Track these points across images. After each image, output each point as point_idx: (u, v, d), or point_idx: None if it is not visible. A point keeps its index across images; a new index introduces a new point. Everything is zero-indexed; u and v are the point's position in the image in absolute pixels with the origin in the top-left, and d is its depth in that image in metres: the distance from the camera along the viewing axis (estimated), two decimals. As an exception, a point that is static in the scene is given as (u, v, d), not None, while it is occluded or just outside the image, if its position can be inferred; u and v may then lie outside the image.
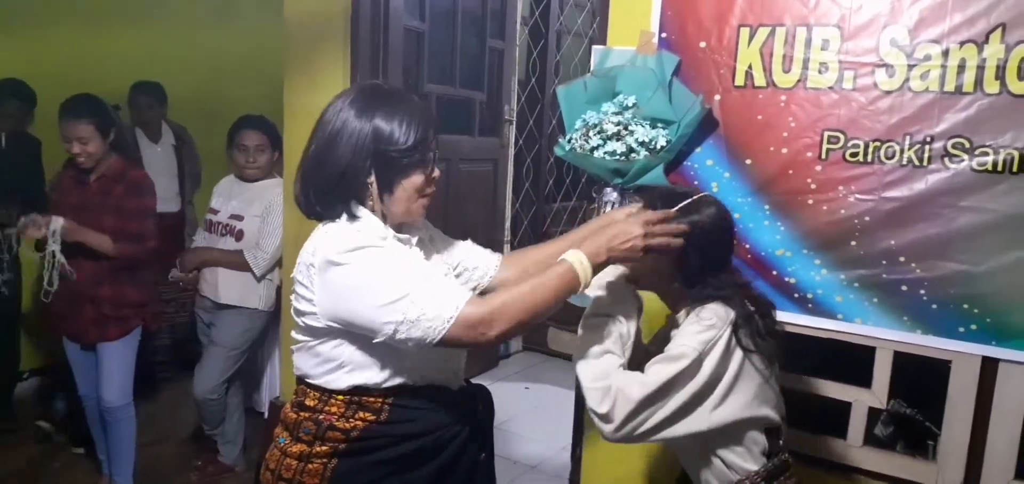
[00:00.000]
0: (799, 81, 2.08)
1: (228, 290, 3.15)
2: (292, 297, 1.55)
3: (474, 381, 1.80)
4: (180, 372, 4.04)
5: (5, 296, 3.48)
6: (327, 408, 1.51)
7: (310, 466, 1.50)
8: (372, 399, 1.51)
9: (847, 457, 2.20)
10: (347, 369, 1.50)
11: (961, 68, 1.91)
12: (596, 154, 2.14)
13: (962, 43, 1.90)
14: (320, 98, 3.09)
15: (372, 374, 1.51)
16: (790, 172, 2.12)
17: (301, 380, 1.57)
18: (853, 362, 2.19)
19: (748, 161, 2.17)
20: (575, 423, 2.63)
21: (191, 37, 4.67)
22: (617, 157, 2.12)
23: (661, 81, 2.14)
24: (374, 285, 1.42)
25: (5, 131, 3.67)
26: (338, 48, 3.05)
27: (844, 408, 2.20)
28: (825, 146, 2.07)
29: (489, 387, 3.94)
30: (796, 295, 2.17)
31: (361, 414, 1.51)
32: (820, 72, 2.05)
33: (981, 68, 1.88)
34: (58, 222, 2.77)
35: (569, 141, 2.22)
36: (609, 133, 2.12)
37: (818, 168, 2.09)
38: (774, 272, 2.19)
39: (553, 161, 4.95)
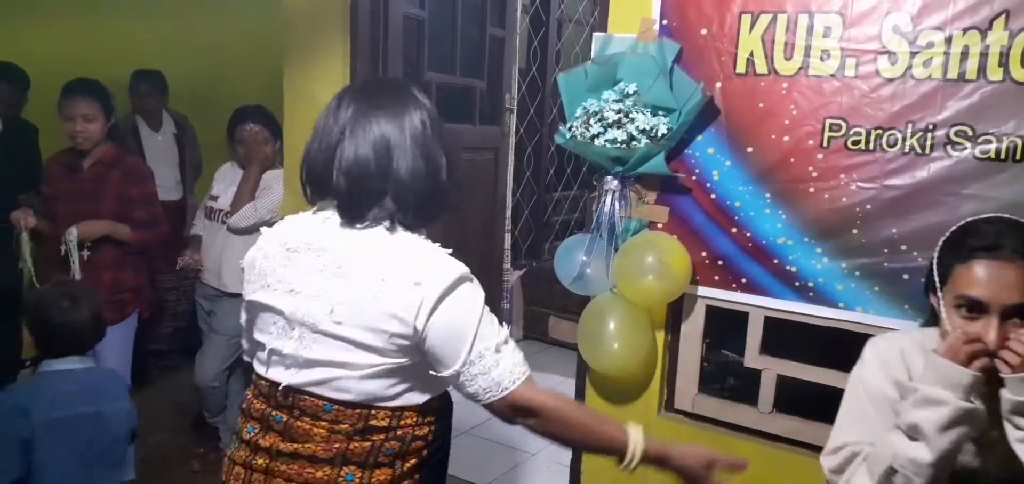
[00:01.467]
0: (801, 68, 2.07)
1: (228, 278, 3.14)
2: (375, 324, 1.34)
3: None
4: (181, 360, 4.05)
5: (9, 285, 3.47)
6: (403, 423, 1.40)
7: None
8: (433, 406, 1.45)
9: (849, 446, 2.20)
10: (420, 389, 1.41)
11: (964, 55, 1.89)
12: (597, 142, 2.13)
13: (965, 30, 1.89)
14: (320, 87, 3.11)
15: (438, 386, 1.44)
16: (791, 160, 2.11)
17: (359, 405, 1.38)
18: (855, 351, 2.18)
19: (749, 149, 2.16)
20: (576, 411, 2.63)
21: (192, 26, 4.66)
22: (618, 145, 2.11)
23: (662, 68, 2.13)
24: (482, 326, 1.36)
25: (10, 114, 3.64)
26: (338, 37, 3.03)
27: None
28: (827, 134, 2.06)
29: (490, 375, 3.91)
30: (797, 283, 2.17)
31: (428, 419, 1.44)
32: (822, 59, 2.04)
33: (984, 55, 1.87)
34: (73, 233, 2.77)
35: (570, 129, 2.21)
36: (610, 121, 2.11)
37: (820, 156, 2.08)
38: (775, 260, 2.18)
39: (554, 150, 4.94)
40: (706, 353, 2.43)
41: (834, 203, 2.08)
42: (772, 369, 2.29)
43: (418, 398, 1.41)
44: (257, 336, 1.47)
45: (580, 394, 2.61)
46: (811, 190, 2.10)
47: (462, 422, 3.36)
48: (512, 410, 1.38)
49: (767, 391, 2.31)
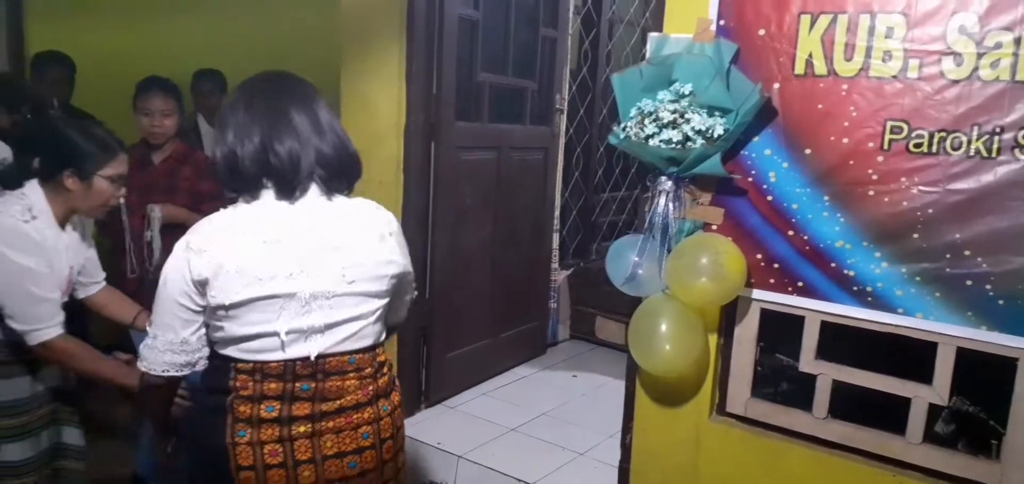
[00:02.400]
0: (862, 70, 2.04)
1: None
2: (379, 271, 1.62)
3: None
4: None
5: None
6: (386, 355, 1.73)
7: (398, 409, 1.74)
8: None
9: (906, 455, 2.16)
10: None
11: (1034, 56, 1.85)
12: (651, 142, 2.13)
13: (1035, 30, 1.84)
14: (376, 86, 3.17)
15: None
16: (851, 163, 2.08)
17: (369, 349, 1.65)
18: (913, 357, 2.15)
19: (807, 151, 2.13)
20: (626, 411, 2.63)
21: (250, 26, 4.76)
22: (673, 145, 2.10)
23: (719, 69, 2.12)
24: None
25: (56, 98, 3.70)
26: (394, 37, 3.09)
27: (903, 404, 2.16)
28: (888, 136, 2.03)
29: (536, 374, 3.97)
30: (855, 288, 2.14)
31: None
32: (884, 60, 2.01)
33: (1055, 56, 1.83)
34: (156, 209, 2.85)
35: (624, 129, 2.21)
36: (665, 121, 2.11)
37: (880, 159, 2.05)
38: (833, 264, 2.15)
39: (603, 150, 4.92)
40: (759, 357, 2.41)
41: (894, 207, 2.04)
42: (828, 374, 2.26)
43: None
44: (255, 329, 1.55)
45: (630, 395, 2.61)
46: (871, 193, 2.07)
47: (510, 420, 3.40)
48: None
49: (822, 396, 2.29)
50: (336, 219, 1.59)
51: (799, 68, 2.11)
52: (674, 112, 2.09)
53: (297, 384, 1.56)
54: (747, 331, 2.36)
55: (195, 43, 4.59)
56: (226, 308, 1.53)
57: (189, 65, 4.24)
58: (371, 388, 1.64)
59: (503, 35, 3.59)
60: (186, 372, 1.62)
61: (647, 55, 2.30)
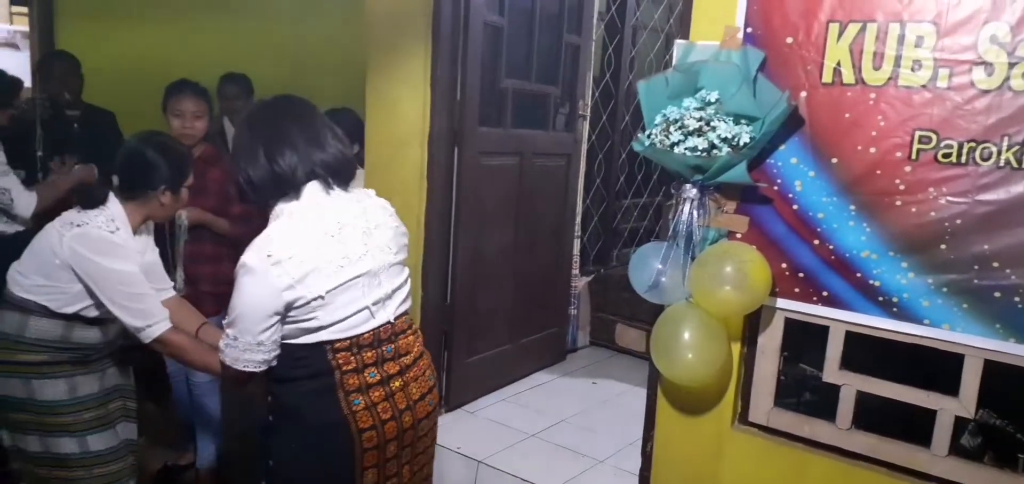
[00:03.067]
0: (890, 79, 2.03)
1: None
2: (402, 241, 1.98)
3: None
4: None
5: None
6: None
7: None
8: None
9: (931, 467, 2.14)
10: None
11: (1067, 67, 1.83)
12: (676, 150, 2.13)
13: (1068, 41, 1.82)
14: (401, 92, 3.19)
15: None
16: (878, 172, 2.07)
17: (405, 313, 1.98)
18: (939, 369, 2.13)
19: (834, 160, 2.12)
20: (647, 419, 2.62)
21: (276, 30, 4.81)
22: (698, 153, 2.10)
23: (745, 77, 2.12)
24: None
25: (66, 92, 3.78)
26: (419, 43, 3.11)
27: (929, 416, 2.14)
28: (916, 146, 2.02)
29: (556, 380, 3.96)
30: (880, 298, 2.12)
31: None
32: (913, 70, 2.00)
33: (1089, 68, 1.81)
34: (183, 214, 2.89)
35: (649, 136, 2.21)
36: (690, 129, 2.11)
37: (908, 169, 2.03)
38: (858, 274, 2.14)
39: (625, 157, 4.92)
40: (783, 366, 2.39)
41: (922, 217, 2.03)
42: (852, 385, 2.25)
43: None
44: (349, 309, 1.80)
45: (651, 403, 2.61)
46: (898, 203, 2.06)
47: (530, 426, 3.40)
48: None
49: (846, 407, 2.27)
50: (363, 205, 1.89)
51: (826, 77, 2.10)
52: (700, 119, 2.09)
53: (384, 348, 1.88)
54: (771, 340, 2.35)
55: (221, 47, 4.64)
56: (322, 297, 1.75)
57: (215, 69, 4.29)
58: (422, 340, 2.03)
59: (527, 41, 3.61)
60: (263, 368, 1.81)
61: (673, 62, 2.30)
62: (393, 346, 1.91)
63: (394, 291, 1.92)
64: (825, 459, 2.31)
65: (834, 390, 2.28)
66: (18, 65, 5.71)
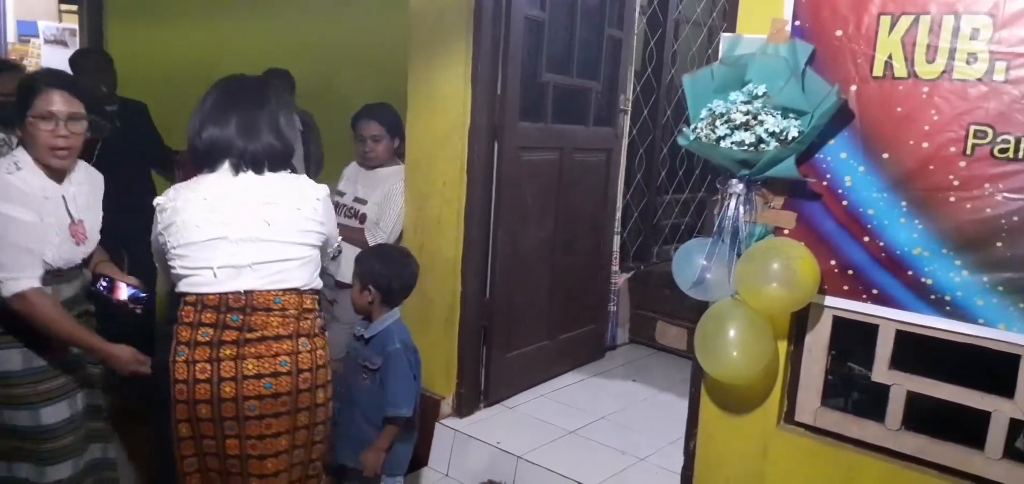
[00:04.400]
0: (944, 72, 1.98)
1: (348, 270, 3.26)
2: (285, 230, 2.00)
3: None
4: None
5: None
6: (315, 302, 2.09)
7: (320, 351, 2.06)
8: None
9: (985, 470, 2.09)
10: (316, 271, 2.09)
11: None
12: (723, 144, 2.10)
13: None
14: (442, 87, 3.20)
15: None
16: (931, 168, 2.02)
17: (295, 291, 2.01)
18: (994, 370, 2.07)
19: (885, 155, 2.08)
20: (690, 417, 2.60)
21: (316, 27, 4.86)
22: (745, 147, 2.07)
23: (794, 70, 2.08)
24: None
25: (103, 85, 3.81)
26: (461, 38, 3.11)
27: (982, 418, 2.08)
28: (971, 141, 1.96)
29: (595, 378, 3.94)
30: (933, 297, 2.07)
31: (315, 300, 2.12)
32: (968, 63, 1.94)
33: None
34: None
35: (694, 130, 2.19)
36: (737, 122, 2.08)
37: (962, 164, 1.98)
38: (909, 272, 2.09)
39: (666, 152, 4.88)
40: (829, 365, 2.35)
41: (977, 214, 1.97)
42: (902, 385, 2.20)
43: (318, 282, 2.09)
44: (195, 265, 1.97)
45: (694, 401, 2.58)
46: (951, 199, 2.00)
47: (569, 422, 3.39)
48: None
49: (896, 407, 2.22)
50: (265, 186, 2.01)
51: (878, 70, 2.06)
52: (747, 113, 2.06)
53: (228, 315, 1.96)
54: (819, 339, 2.31)
55: (263, 44, 4.70)
56: (177, 248, 1.97)
57: (258, 65, 4.35)
58: (293, 326, 2.00)
59: (568, 35, 3.59)
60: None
61: (718, 56, 2.27)
62: (241, 317, 1.96)
63: (263, 263, 1.97)
64: (874, 460, 2.27)
65: (883, 390, 2.23)
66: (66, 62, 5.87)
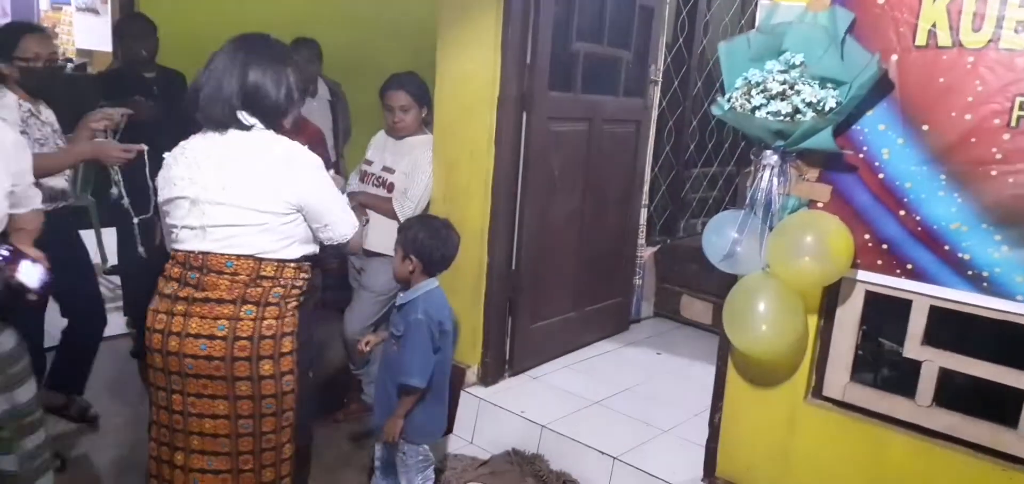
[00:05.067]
0: (990, 41, 1.93)
1: (375, 239, 3.27)
2: (228, 193, 1.95)
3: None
4: (327, 313, 4.25)
5: None
6: (283, 274, 2.01)
7: (287, 319, 2.01)
8: (307, 264, 2.08)
9: (1017, 448, 2.06)
10: (298, 245, 2.03)
11: None
12: (758, 114, 2.07)
13: None
14: (472, 55, 3.18)
15: (310, 247, 2.09)
16: (973, 140, 1.98)
17: (249, 257, 1.97)
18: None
19: (925, 127, 2.03)
20: (715, 390, 2.59)
21: (347, -5, 4.85)
22: (781, 118, 2.04)
23: (833, 38, 2.04)
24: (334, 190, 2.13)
25: (144, 50, 3.80)
26: (491, 4, 3.08)
27: (1020, 396, 2.05)
28: (1016, 113, 1.92)
29: (619, 350, 3.92)
30: (970, 272, 2.04)
31: (302, 275, 2.06)
32: (1016, 32, 1.89)
33: None
34: None
35: (729, 100, 2.15)
36: (773, 92, 2.04)
37: (1006, 137, 1.94)
38: (945, 246, 2.06)
39: (695, 124, 4.82)
40: (859, 340, 2.32)
41: (1020, 188, 1.93)
42: (935, 361, 2.17)
43: (295, 252, 2.02)
44: (169, 222, 2.04)
45: (721, 374, 2.57)
46: (993, 173, 1.96)
47: (593, 393, 3.39)
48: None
49: (927, 384, 2.19)
50: (226, 146, 1.99)
51: (920, 39, 2.01)
52: (783, 83, 2.02)
53: (188, 273, 1.99)
54: (850, 313, 2.28)
55: (293, 12, 4.69)
56: (161, 204, 2.07)
57: (287, 33, 4.35)
58: (239, 292, 1.96)
59: (599, 3, 3.54)
60: None
61: (756, 22, 2.23)
62: (198, 276, 1.98)
63: (217, 226, 1.96)
64: (903, 436, 2.24)
65: (913, 366, 2.20)
66: (98, 30, 5.89)
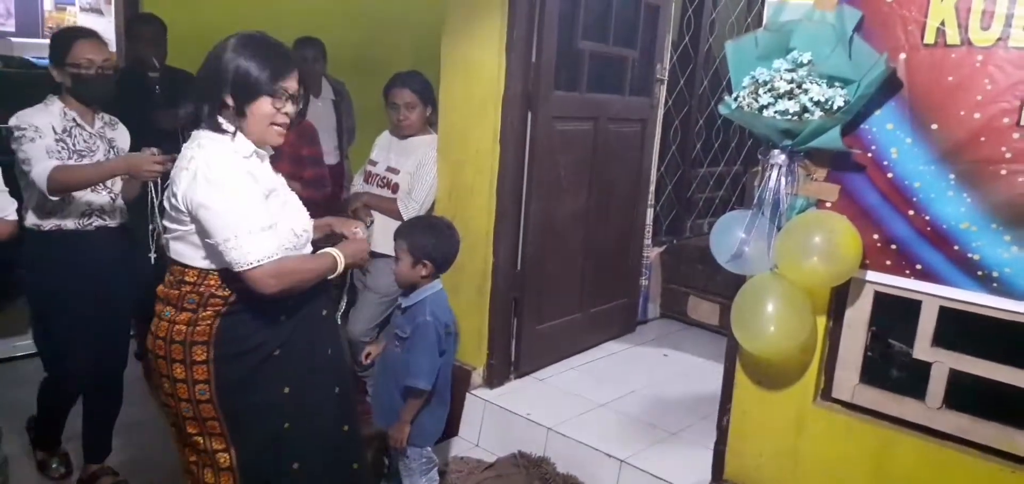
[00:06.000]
0: (1000, 39, 1.91)
1: (380, 240, 3.26)
2: (167, 197, 1.93)
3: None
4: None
5: None
6: (206, 282, 1.91)
7: (199, 327, 1.90)
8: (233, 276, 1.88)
9: (1029, 450, 2.04)
10: (215, 259, 1.88)
11: None
12: (765, 113, 2.05)
13: None
14: (477, 54, 3.17)
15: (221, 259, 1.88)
16: (982, 139, 1.95)
17: (176, 263, 1.93)
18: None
19: (934, 126, 2.01)
20: (723, 391, 2.57)
21: (351, -6, 4.83)
22: (789, 117, 2.02)
23: (841, 37, 2.02)
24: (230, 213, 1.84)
25: (154, 57, 3.75)
26: (496, 5, 3.07)
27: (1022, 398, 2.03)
28: (1026, 112, 1.89)
29: (626, 351, 3.90)
30: (979, 273, 2.02)
31: (235, 284, 1.89)
32: (1026, 29, 1.87)
33: None
34: None
35: (736, 99, 2.14)
36: (781, 91, 2.02)
37: (1016, 136, 1.91)
38: (955, 247, 2.04)
39: (702, 124, 4.80)
40: (869, 341, 2.30)
41: (1030, 188, 1.91)
42: (945, 363, 2.15)
43: (219, 263, 1.87)
44: None
45: (729, 376, 2.55)
46: (1003, 172, 1.94)
47: (599, 395, 3.37)
48: (263, 282, 1.84)
49: (937, 386, 2.17)
50: (187, 148, 1.91)
51: (929, 37, 1.99)
52: (791, 82, 2.00)
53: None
54: (859, 314, 2.26)
55: (298, 11, 4.69)
56: None
57: (292, 32, 4.34)
58: (166, 292, 1.96)
59: (605, 2, 3.52)
60: None
61: (764, 21, 2.21)
62: (167, 274, 2.00)
63: (165, 229, 1.98)
64: (913, 438, 2.22)
65: (923, 367, 2.18)
66: (103, 31, 5.89)
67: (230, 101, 1.87)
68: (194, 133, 1.91)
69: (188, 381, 1.92)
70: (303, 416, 2.03)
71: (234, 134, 1.89)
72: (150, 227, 2.53)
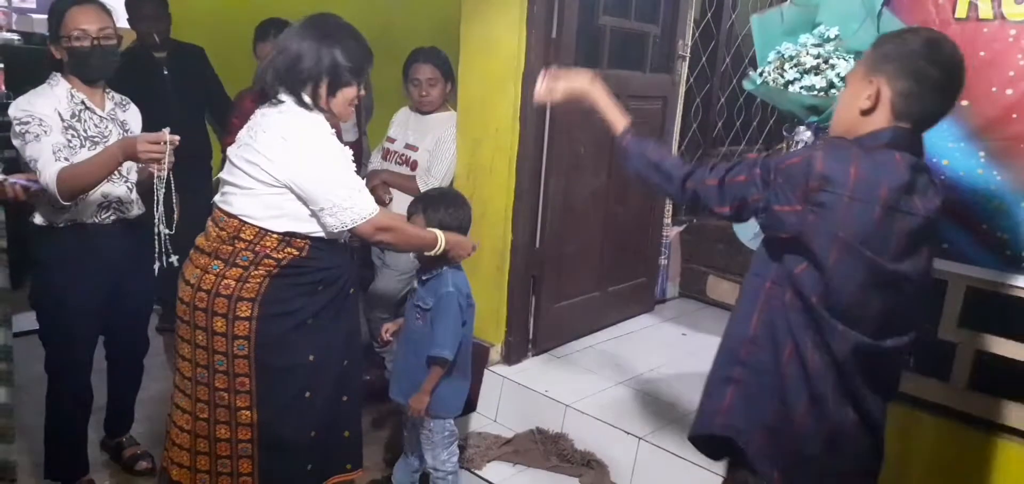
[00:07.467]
0: (1034, 13, 1.86)
1: (399, 216, 3.26)
2: (240, 154, 2.00)
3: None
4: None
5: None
6: (263, 242, 2.00)
7: (248, 284, 2.00)
8: (299, 241, 2.03)
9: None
10: (288, 217, 2.00)
11: None
12: (791, 89, 2.02)
13: None
14: (497, 30, 3.14)
15: (305, 225, 2.02)
16: (1014, 116, 1.92)
17: (235, 217, 2.01)
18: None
19: (965, 102, 1.98)
20: (744, 371, 2.55)
21: (370, -32, 4.79)
22: (815, 92, 1.99)
23: (870, 11, 1.99)
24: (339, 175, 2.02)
25: (156, 34, 3.68)
26: (517, -21, 3.04)
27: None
28: (1060, 88, 1.85)
29: (644, 330, 3.88)
30: (1007, 253, 1.99)
31: (289, 250, 2.02)
32: (1062, 3, 1.82)
33: None
34: None
35: (761, 74, 2.11)
36: (807, 66, 1.99)
37: (1049, 113, 1.87)
38: (983, 226, 2.01)
39: (723, 101, 4.75)
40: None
41: (1063, 166, 1.87)
42: (970, 344, 2.12)
43: (281, 226, 2.00)
44: None
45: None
46: (1035, 150, 1.90)
47: (618, 373, 3.37)
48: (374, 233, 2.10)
49: (962, 366, 2.15)
50: (265, 117, 2.03)
51: (961, 11, 1.95)
52: (818, 57, 1.97)
53: (210, 226, 2.10)
54: (883, 294, 2.23)
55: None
56: None
57: (305, 7, 4.32)
58: (214, 246, 2.04)
59: (627, -23, 3.48)
60: None
61: (788, -4, 2.18)
62: (210, 227, 2.09)
63: (223, 182, 2.07)
64: (935, 419, 2.20)
65: (947, 348, 2.16)
66: (111, 2, 5.89)
67: (323, 89, 2.02)
68: (275, 101, 2.04)
69: (227, 335, 2.01)
70: (322, 385, 2.14)
71: (319, 111, 2.04)
72: (156, 230, 2.20)
